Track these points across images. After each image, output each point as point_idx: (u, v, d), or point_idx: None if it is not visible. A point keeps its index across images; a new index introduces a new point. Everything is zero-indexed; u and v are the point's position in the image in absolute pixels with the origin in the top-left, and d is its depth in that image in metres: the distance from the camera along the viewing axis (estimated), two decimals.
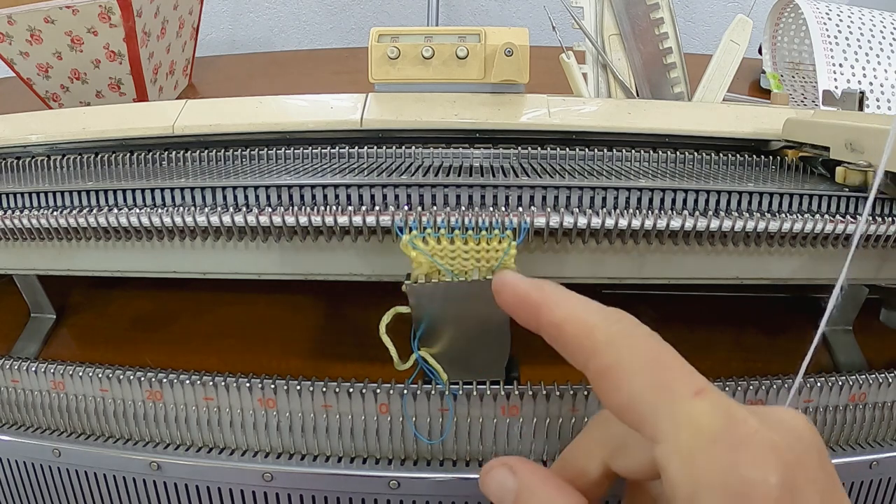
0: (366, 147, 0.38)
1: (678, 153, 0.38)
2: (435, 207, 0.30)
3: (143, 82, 0.69)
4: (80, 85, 0.69)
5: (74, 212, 0.32)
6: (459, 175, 0.33)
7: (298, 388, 0.32)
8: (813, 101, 0.71)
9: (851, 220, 0.31)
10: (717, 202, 0.31)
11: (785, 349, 0.42)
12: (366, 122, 0.38)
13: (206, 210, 0.31)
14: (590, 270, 0.34)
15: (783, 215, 0.31)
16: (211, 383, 0.32)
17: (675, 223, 0.30)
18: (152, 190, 0.32)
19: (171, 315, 0.45)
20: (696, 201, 0.31)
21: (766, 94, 0.75)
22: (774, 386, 0.33)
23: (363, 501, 0.32)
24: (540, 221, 0.30)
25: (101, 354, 0.41)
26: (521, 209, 0.30)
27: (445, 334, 0.30)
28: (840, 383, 0.33)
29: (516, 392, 0.31)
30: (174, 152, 0.38)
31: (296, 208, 0.31)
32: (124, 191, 0.32)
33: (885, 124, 0.29)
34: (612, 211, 0.30)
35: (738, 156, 0.38)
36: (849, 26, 0.61)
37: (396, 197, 0.31)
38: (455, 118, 0.38)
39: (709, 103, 0.42)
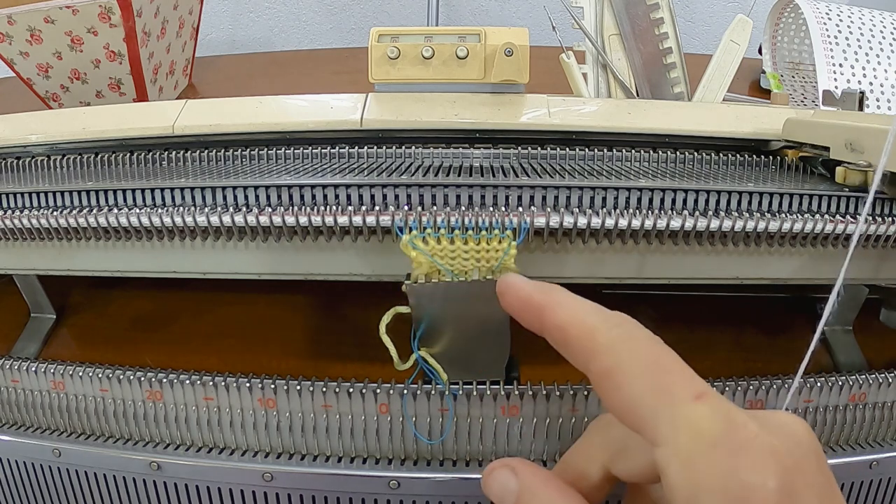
0: (366, 147, 0.38)
1: (678, 153, 0.38)
2: (435, 207, 0.30)
3: (143, 82, 0.69)
4: (80, 85, 0.69)
5: (74, 212, 0.32)
6: (459, 175, 0.33)
7: (298, 388, 0.32)
8: (813, 101, 0.71)
9: (851, 220, 0.31)
10: (717, 202, 0.31)
11: (785, 349, 0.42)
12: (366, 122, 0.38)
13: (206, 210, 0.31)
14: (590, 270, 0.34)
15: (783, 215, 0.31)
16: (211, 383, 0.32)
17: (675, 223, 0.30)
18: (152, 190, 0.32)
19: (171, 315, 0.45)
20: (696, 201, 0.31)
21: (766, 94, 0.75)
22: (774, 386, 0.33)
23: (363, 501, 0.32)
24: (540, 221, 0.30)
25: (101, 354, 0.41)
26: (521, 209, 0.30)
27: (445, 334, 0.30)
28: (840, 383, 0.33)
29: (516, 392, 0.31)
30: (174, 152, 0.38)
31: (296, 208, 0.31)
32: (124, 191, 0.32)
33: (885, 124, 0.29)
34: (612, 211, 0.30)
35: (738, 156, 0.38)
36: (849, 26, 0.61)
37: (396, 197, 0.31)
38: (455, 118, 0.38)
39: (709, 103, 0.42)
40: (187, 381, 0.33)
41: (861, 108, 0.42)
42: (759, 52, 0.78)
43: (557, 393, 0.31)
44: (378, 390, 0.32)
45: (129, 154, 0.38)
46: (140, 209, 0.32)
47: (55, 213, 0.32)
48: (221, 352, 0.42)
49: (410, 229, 0.29)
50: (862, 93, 0.42)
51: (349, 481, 0.32)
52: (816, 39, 0.60)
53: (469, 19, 1.18)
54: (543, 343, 0.24)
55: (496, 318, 0.28)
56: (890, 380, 0.34)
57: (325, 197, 0.31)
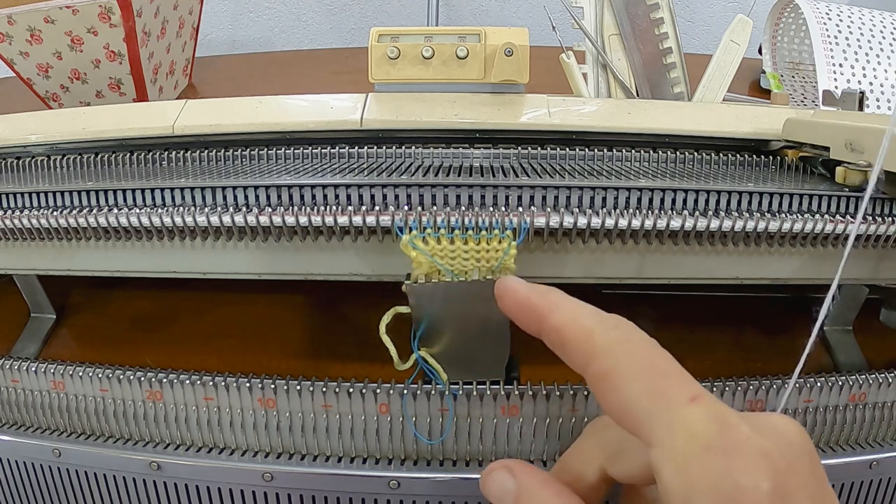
0: (366, 147, 0.38)
1: (678, 153, 0.38)
2: (435, 207, 0.30)
3: (143, 82, 0.69)
4: (80, 85, 0.69)
5: (74, 212, 0.32)
6: (459, 175, 0.33)
7: (298, 388, 0.32)
8: (813, 101, 0.71)
9: (851, 220, 0.31)
10: (717, 202, 0.32)
11: (785, 349, 0.42)
12: (366, 122, 0.38)
13: (206, 210, 0.31)
14: (590, 270, 0.34)
15: (783, 215, 0.31)
16: (211, 383, 0.32)
17: (675, 223, 0.30)
18: (152, 190, 0.32)
19: (171, 315, 0.45)
20: (696, 201, 0.31)
21: (766, 94, 0.75)
22: (774, 386, 0.33)
23: (363, 501, 0.32)
24: (540, 221, 0.30)
25: (101, 354, 0.41)
26: (521, 209, 0.30)
27: (445, 334, 0.30)
28: (840, 383, 0.33)
29: (516, 392, 0.31)
30: (174, 152, 0.38)
31: (296, 208, 0.31)
32: (124, 191, 0.32)
33: (885, 124, 0.29)
34: (612, 211, 0.30)
35: (738, 156, 0.38)
36: (849, 26, 0.61)
37: (396, 197, 0.31)
38: (455, 118, 0.38)
39: (709, 103, 0.42)
40: (187, 381, 0.33)
41: (861, 108, 0.42)
42: (759, 52, 0.78)
43: (557, 393, 0.31)
44: (378, 390, 0.32)
45: (129, 154, 0.38)
46: (140, 209, 0.32)
47: (55, 213, 0.32)
48: (221, 352, 0.42)
49: (410, 229, 0.29)
50: (862, 93, 0.42)
51: (349, 481, 0.32)
52: (816, 39, 0.60)
53: (469, 19, 1.18)
54: (543, 343, 0.24)
55: (496, 318, 0.28)
56: (890, 380, 0.34)
57: (325, 197, 0.31)
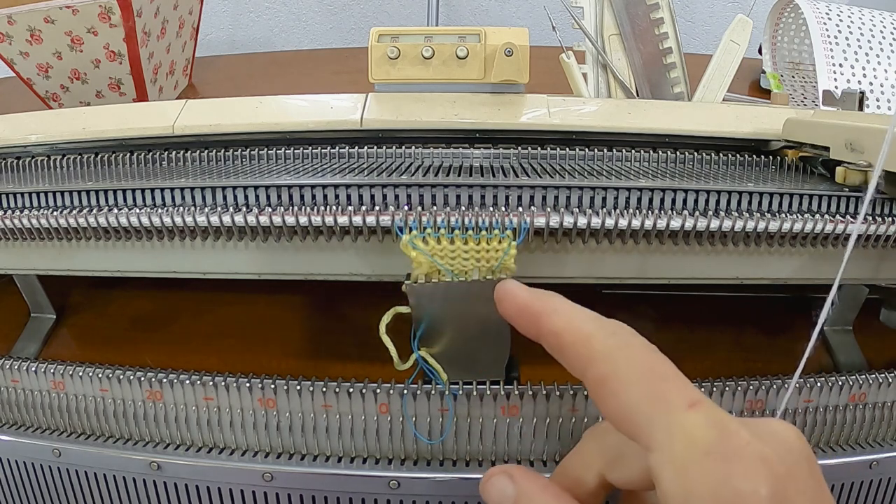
0: (366, 147, 0.38)
1: (678, 153, 0.38)
2: (435, 207, 0.30)
3: (143, 82, 0.69)
4: (80, 85, 0.69)
5: (74, 212, 0.32)
6: (459, 175, 0.33)
7: (298, 388, 0.32)
8: (813, 101, 0.71)
9: (851, 220, 0.31)
10: (717, 202, 0.32)
11: (785, 349, 0.42)
12: (366, 122, 0.38)
13: (206, 210, 0.31)
14: (590, 270, 0.34)
15: (783, 215, 0.31)
16: (211, 383, 0.32)
17: (675, 223, 0.30)
18: (152, 190, 0.32)
19: (171, 315, 0.45)
20: (696, 201, 0.31)
21: (766, 94, 0.75)
22: (774, 386, 0.33)
23: (363, 501, 0.32)
24: (540, 221, 0.30)
25: (101, 354, 0.41)
26: (521, 209, 0.30)
27: (445, 334, 0.30)
28: (840, 383, 0.33)
29: (516, 392, 0.31)
30: (174, 152, 0.38)
31: (296, 208, 0.31)
32: (124, 191, 0.32)
33: (885, 124, 0.29)
34: (612, 211, 0.30)
35: (738, 156, 0.38)
36: (849, 26, 0.61)
37: (396, 197, 0.31)
38: (455, 118, 0.38)
39: (709, 103, 0.42)
40: (187, 381, 0.33)
41: (861, 108, 0.42)
42: (759, 52, 0.78)
43: (557, 393, 0.31)
44: (378, 390, 0.32)
45: (129, 154, 0.38)
46: (140, 209, 0.32)
47: (55, 213, 0.32)
48: (221, 352, 0.42)
49: (410, 229, 0.29)
50: (862, 93, 0.42)
51: (349, 481, 0.32)
52: (816, 39, 0.60)
53: (469, 19, 1.18)
54: None
55: (496, 318, 0.28)
56: (890, 380, 0.34)
57: (325, 197, 0.31)
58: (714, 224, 0.30)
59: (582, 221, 0.30)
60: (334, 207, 0.31)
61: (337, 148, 0.38)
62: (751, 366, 0.41)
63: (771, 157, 0.38)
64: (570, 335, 0.22)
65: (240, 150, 0.38)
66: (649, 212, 0.31)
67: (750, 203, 0.32)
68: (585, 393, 0.31)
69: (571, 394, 0.31)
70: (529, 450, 0.32)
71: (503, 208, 0.31)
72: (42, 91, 0.70)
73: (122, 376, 0.33)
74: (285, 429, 0.32)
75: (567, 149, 0.38)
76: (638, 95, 0.44)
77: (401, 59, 0.39)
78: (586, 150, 0.38)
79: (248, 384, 0.32)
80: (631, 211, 0.31)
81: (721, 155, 0.38)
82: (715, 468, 0.18)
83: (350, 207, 0.30)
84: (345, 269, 0.34)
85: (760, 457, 0.18)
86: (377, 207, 0.31)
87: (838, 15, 0.62)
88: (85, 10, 0.61)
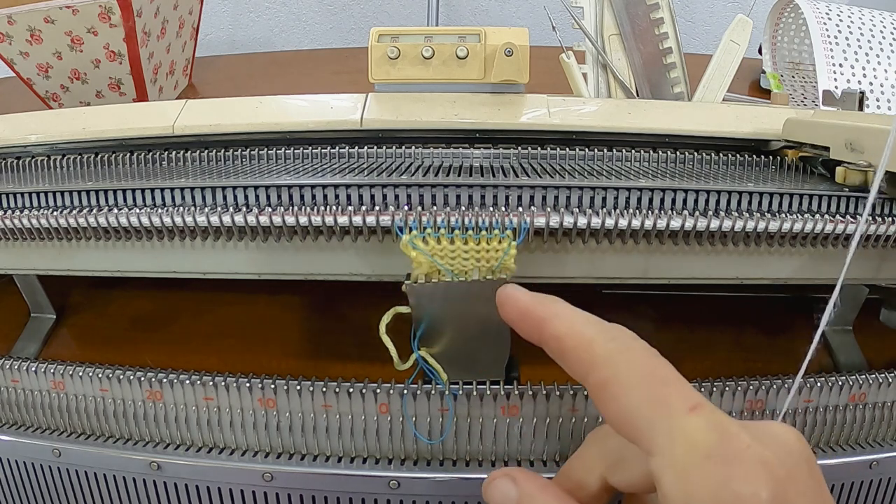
0: (366, 147, 0.38)
1: (678, 153, 0.38)
2: (435, 207, 0.30)
3: (143, 82, 0.69)
4: (80, 85, 0.69)
5: (74, 212, 0.32)
6: (459, 175, 0.33)
7: (298, 388, 0.32)
8: (813, 101, 0.71)
9: (851, 220, 0.31)
10: (717, 202, 0.31)
11: (785, 349, 0.42)
12: (366, 122, 0.38)
13: (206, 210, 0.31)
14: (590, 270, 0.34)
15: (783, 215, 0.31)
16: (211, 383, 0.32)
17: (676, 223, 0.30)
18: (152, 190, 0.32)
19: (171, 315, 0.45)
20: (696, 201, 0.31)
21: (766, 94, 0.75)
22: (774, 386, 0.33)
23: (363, 501, 0.32)
24: (540, 221, 0.30)
25: (101, 354, 0.41)
26: (521, 209, 0.30)
27: (445, 334, 0.30)
28: (840, 383, 0.33)
29: (516, 392, 0.31)
30: (174, 152, 0.38)
31: (296, 208, 0.31)
32: (124, 191, 0.32)
33: (885, 124, 0.29)
34: (612, 211, 0.30)
35: (738, 156, 0.38)
36: (849, 26, 0.61)
37: (396, 197, 0.31)
38: (455, 118, 0.38)
39: (709, 103, 0.42)
40: (187, 381, 0.33)
41: (861, 108, 0.42)
42: (759, 52, 0.78)
43: (557, 393, 0.31)
44: (378, 390, 0.32)
45: (129, 154, 0.38)
46: (140, 209, 0.32)
47: (55, 213, 0.32)
48: (221, 352, 0.42)
49: (410, 229, 0.29)
50: (862, 93, 0.42)
51: (349, 481, 0.32)
52: (816, 39, 0.60)
53: (469, 19, 1.18)
54: None
55: (496, 319, 0.28)
56: (890, 380, 0.34)
57: (325, 197, 0.31)
58: (714, 224, 0.30)
59: (582, 221, 0.30)
60: (334, 207, 0.30)
61: (337, 148, 0.38)
62: (751, 366, 0.41)
63: (771, 157, 0.38)
64: (571, 340, 0.22)
65: (240, 150, 0.38)
66: (649, 212, 0.31)
67: (750, 203, 0.32)
68: (585, 393, 0.31)
69: (571, 394, 0.31)
70: (529, 450, 0.32)
71: (503, 208, 0.31)
72: (42, 91, 0.70)
73: (122, 376, 0.33)
74: (285, 429, 0.32)
75: (567, 149, 0.38)
76: (638, 95, 0.44)
77: (401, 59, 0.39)
78: (586, 150, 0.38)
79: (248, 384, 0.32)
80: (631, 211, 0.31)
81: (721, 155, 0.38)
82: (715, 471, 0.18)
83: (350, 207, 0.30)
84: (345, 269, 0.34)
85: (761, 460, 0.18)
86: (377, 207, 0.31)
87: (838, 15, 0.62)
88: (85, 10, 0.61)
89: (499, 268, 0.29)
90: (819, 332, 0.26)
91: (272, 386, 0.32)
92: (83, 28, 0.63)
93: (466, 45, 0.39)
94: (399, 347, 0.29)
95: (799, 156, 0.37)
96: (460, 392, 0.31)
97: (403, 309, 0.29)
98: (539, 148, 0.38)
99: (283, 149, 0.38)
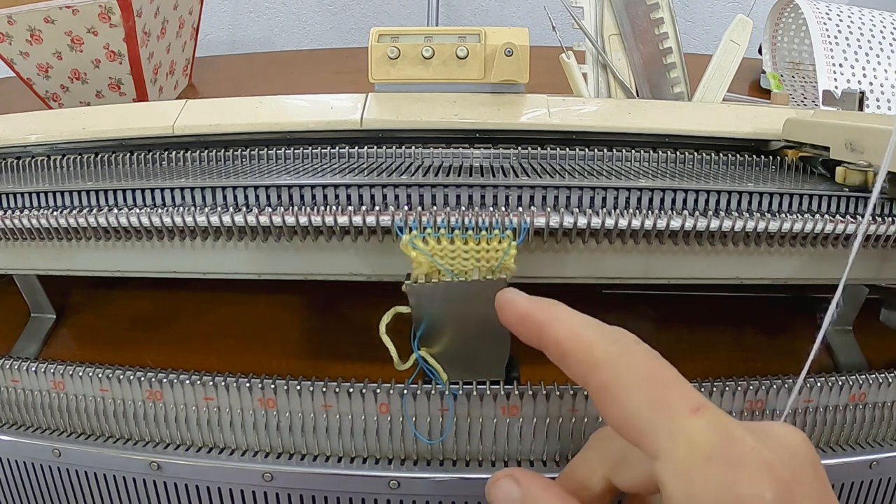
0: (366, 147, 0.38)
1: (678, 153, 0.38)
2: (435, 207, 0.30)
3: (143, 82, 0.69)
4: (80, 85, 0.69)
5: (74, 212, 0.32)
6: (459, 175, 0.33)
7: (298, 388, 0.32)
8: (813, 101, 0.71)
9: (851, 220, 0.31)
10: (718, 202, 0.31)
11: (785, 349, 0.42)
12: (366, 122, 0.38)
13: (206, 210, 0.31)
14: (590, 270, 0.34)
15: (783, 215, 0.31)
16: (211, 383, 0.32)
17: (676, 223, 0.30)
18: (152, 190, 0.32)
19: (171, 315, 0.45)
20: (696, 201, 0.31)
21: (766, 94, 0.75)
22: (774, 386, 0.33)
23: (363, 501, 0.32)
24: (540, 221, 0.30)
25: (101, 354, 0.41)
26: (521, 209, 0.30)
27: (445, 334, 0.30)
28: (840, 383, 0.33)
29: (516, 392, 0.31)
30: (174, 152, 0.38)
31: (296, 208, 0.31)
32: (124, 191, 0.32)
33: (885, 124, 0.29)
34: (612, 211, 0.30)
35: (738, 156, 0.38)
36: (849, 26, 0.61)
37: (396, 197, 0.31)
38: (455, 118, 0.38)
39: (709, 103, 0.42)
40: (187, 381, 0.33)
41: (861, 108, 0.42)
42: (759, 52, 0.78)
43: (557, 393, 0.31)
44: (378, 390, 0.32)
45: (129, 154, 0.38)
46: (140, 209, 0.32)
47: (55, 213, 0.32)
48: (221, 352, 0.42)
49: (410, 229, 0.29)
50: (862, 93, 0.42)
51: (349, 481, 0.32)
52: (816, 39, 0.60)
53: (469, 19, 1.18)
54: None
55: (496, 319, 0.28)
56: (890, 380, 0.34)
57: (325, 197, 0.31)
58: (714, 224, 0.30)
59: (582, 221, 0.30)
60: (334, 207, 0.30)
61: (337, 148, 0.38)
62: (751, 366, 0.41)
63: (771, 157, 0.38)
64: (571, 343, 0.22)
65: (240, 150, 0.38)
66: (649, 212, 0.31)
67: (750, 203, 0.32)
68: (585, 393, 0.31)
69: (571, 394, 0.31)
70: (529, 450, 0.32)
71: (503, 208, 0.31)
72: (42, 91, 0.70)
73: (122, 376, 0.33)
74: (285, 429, 0.32)
75: (567, 149, 0.38)
76: (638, 95, 0.44)
77: (401, 59, 0.39)
78: (586, 150, 0.38)
79: (248, 384, 0.32)
80: (631, 211, 0.31)
81: (721, 155, 0.38)
82: (718, 473, 0.18)
83: (350, 207, 0.30)
84: (345, 269, 0.34)
85: (764, 462, 0.18)
86: (377, 207, 0.31)
87: (838, 15, 0.62)
88: (85, 10, 0.61)
89: (499, 268, 0.29)
90: (822, 332, 0.26)
91: (272, 386, 0.32)
92: (83, 28, 0.63)
93: (466, 45, 0.39)
94: (399, 347, 0.29)
95: (799, 156, 0.37)
96: (460, 392, 0.31)
97: (403, 309, 0.29)
98: (539, 148, 0.38)
99: (283, 149, 0.38)
